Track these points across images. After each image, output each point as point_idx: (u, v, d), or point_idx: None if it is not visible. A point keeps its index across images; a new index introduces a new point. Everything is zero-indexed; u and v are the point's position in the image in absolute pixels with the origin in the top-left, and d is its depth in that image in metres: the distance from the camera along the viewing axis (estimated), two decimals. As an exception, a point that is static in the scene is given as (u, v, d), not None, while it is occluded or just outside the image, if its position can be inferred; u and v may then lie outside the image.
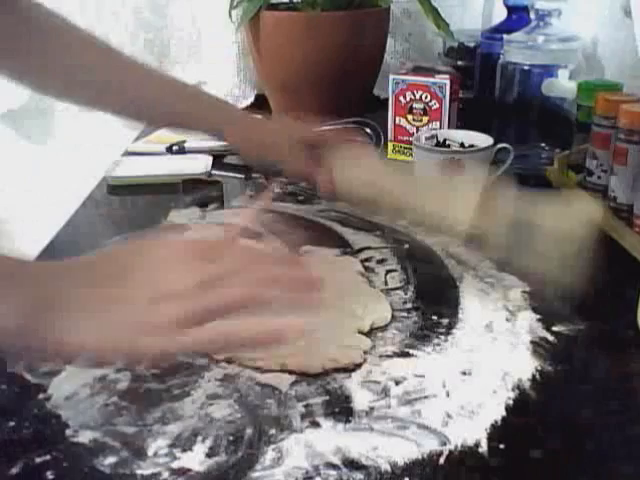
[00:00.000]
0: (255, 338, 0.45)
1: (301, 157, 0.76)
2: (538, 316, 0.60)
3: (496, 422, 0.47)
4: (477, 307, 0.61)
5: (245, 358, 0.53)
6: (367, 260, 0.70)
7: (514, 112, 0.98)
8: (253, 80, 1.28)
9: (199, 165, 0.96)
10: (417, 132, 0.96)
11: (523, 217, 0.63)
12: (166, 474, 0.43)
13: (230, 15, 1.09)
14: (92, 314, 0.43)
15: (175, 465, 0.44)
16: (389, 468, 0.43)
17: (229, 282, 0.45)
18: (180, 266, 0.46)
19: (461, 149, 0.88)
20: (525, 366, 0.53)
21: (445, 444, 0.45)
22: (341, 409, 0.48)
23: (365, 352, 0.55)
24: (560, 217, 0.61)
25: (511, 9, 1.10)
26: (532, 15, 0.99)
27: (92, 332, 0.43)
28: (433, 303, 0.62)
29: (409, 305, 0.62)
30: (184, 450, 0.45)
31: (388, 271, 0.68)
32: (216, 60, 1.28)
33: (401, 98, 0.97)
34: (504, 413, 0.48)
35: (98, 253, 0.58)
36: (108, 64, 0.74)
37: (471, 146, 0.88)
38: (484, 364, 0.53)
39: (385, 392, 0.50)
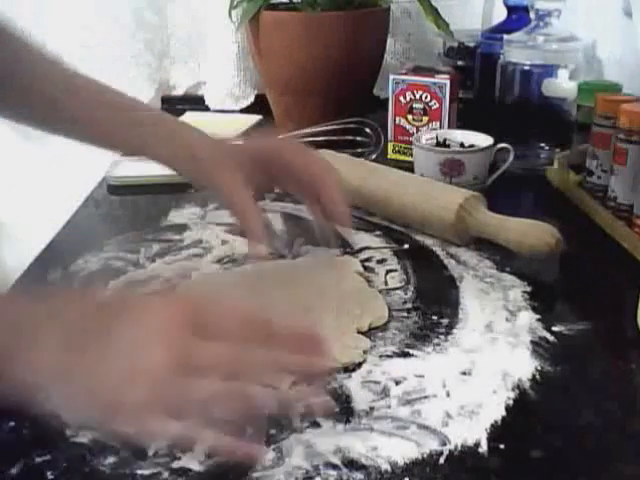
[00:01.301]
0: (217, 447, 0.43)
1: (239, 183, 0.60)
2: (538, 316, 0.60)
3: (496, 422, 0.47)
4: (477, 307, 0.61)
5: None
6: (367, 260, 0.70)
7: (514, 112, 0.98)
8: (253, 80, 1.28)
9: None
10: (417, 132, 0.96)
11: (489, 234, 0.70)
12: (166, 474, 0.43)
13: (230, 15, 1.09)
14: (65, 378, 0.42)
15: (175, 465, 0.44)
16: (389, 468, 0.43)
17: (211, 369, 0.42)
18: (164, 339, 0.43)
19: (461, 149, 0.88)
20: (525, 366, 0.53)
21: (445, 444, 0.45)
22: (341, 409, 0.48)
23: (365, 352, 0.55)
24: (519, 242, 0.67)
25: (511, 9, 1.10)
26: (532, 15, 0.99)
27: (62, 399, 0.42)
28: (433, 303, 0.62)
29: (409, 305, 0.62)
30: (184, 450, 0.45)
31: (388, 271, 0.68)
32: (216, 60, 1.28)
33: (401, 98, 0.97)
34: (504, 413, 0.48)
35: (82, 294, 0.53)
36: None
37: (471, 146, 0.88)
38: (484, 364, 0.53)
39: (385, 392, 0.50)
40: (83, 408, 0.42)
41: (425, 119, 0.96)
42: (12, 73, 0.63)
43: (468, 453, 0.45)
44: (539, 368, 0.53)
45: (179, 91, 1.34)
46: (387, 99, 0.99)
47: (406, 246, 0.74)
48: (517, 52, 0.96)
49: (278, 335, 0.45)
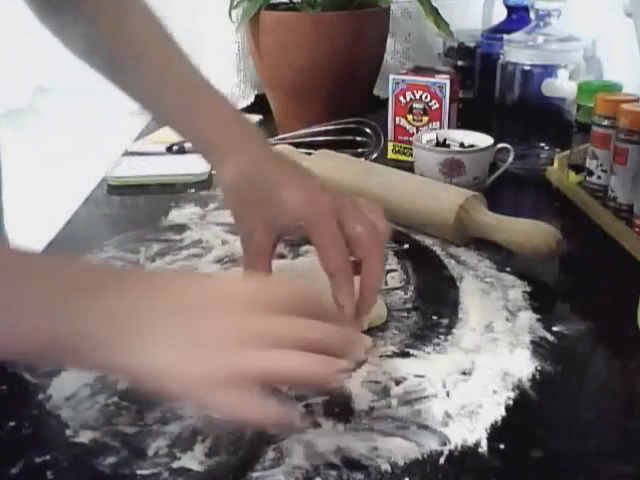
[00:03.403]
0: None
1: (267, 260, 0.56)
2: (538, 316, 0.60)
3: (496, 422, 0.47)
4: (477, 307, 0.61)
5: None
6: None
7: (514, 112, 0.98)
8: (253, 80, 1.28)
9: (199, 165, 0.96)
10: (417, 132, 0.96)
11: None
12: (166, 474, 0.43)
13: (230, 15, 1.09)
14: (150, 347, 0.40)
15: (175, 465, 0.44)
16: (389, 468, 0.43)
17: (277, 342, 0.41)
18: (229, 311, 0.42)
19: (461, 149, 0.88)
20: (525, 366, 0.53)
21: (445, 444, 0.45)
22: (341, 409, 0.48)
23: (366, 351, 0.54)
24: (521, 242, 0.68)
25: (511, 9, 1.10)
26: (532, 15, 0.99)
27: (144, 368, 0.40)
28: (433, 303, 0.62)
29: (409, 305, 0.62)
30: (184, 450, 0.45)
31: (388, 271, 0.68)
32: (216, 60, 1.28)
33: (401, 98, 0.97)
34: (504, 413, 0.48)
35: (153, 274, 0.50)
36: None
37: (471, 146, 0.88)
38: (484, 364, 0.53)
39: (385, 392, 0.50)
40: (157, 382, 0.40)
41: (425, 119, 0.96)
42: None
43: (468, 453, 0.45)
44: (539, 368, 0.53)
45: (179, 91, 1.33)
46: (387, 99, 0.99)
47: (406, 246, 0.74)
48: (517, 52, 0.96)
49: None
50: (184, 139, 0.66)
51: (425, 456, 0.44)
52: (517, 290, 0.64)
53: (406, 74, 0.97)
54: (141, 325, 0.41)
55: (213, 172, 0.66)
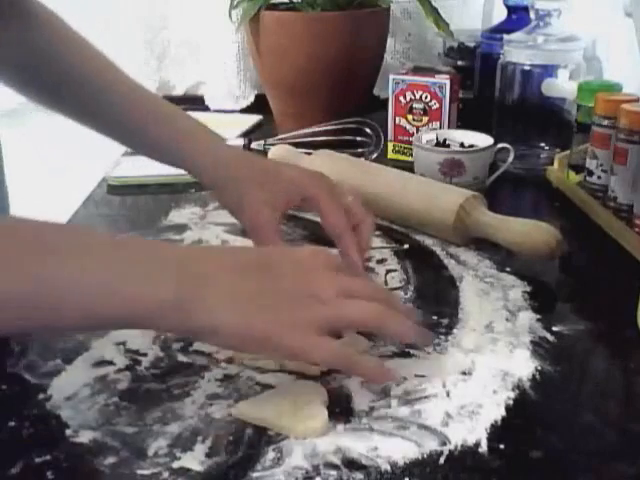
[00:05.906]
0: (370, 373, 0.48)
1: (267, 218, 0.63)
2: (538, 316, 0.60)
3: (496, 422, 0.47)
4: (477, 307, 0.61)
5: (245, 358, 0.53)
6: (367, 260, 0.70)
7: (514, 112, 0.98)
8: (253, 80, 1.28)
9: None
10: (417, 132, 0.96)
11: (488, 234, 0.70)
12: (166, 474, 0.43)
13: (230, 15, 1.09)
14: (240, 301, 0.45)
15: (175, 465, 0.44)
16: (389, 468, 0.43)
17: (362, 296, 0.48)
18: (323, 274, 0.49)
19: (461, 149, 0.88)
20: (525, 366, 0.53)
21: (445, 444, 0.45)
22: (341, 409, 0.48)
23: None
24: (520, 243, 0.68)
25: (511, 9, 1.10)
26: (532, 15, 0.99)
27: (240, 318, 0.44)
28: (433, 303, 0.62)
29: (409, 305, 0.62)
30: (184, 450, 0.45)
31: (388, 271, 0.68)
32: (216, 60, 1.28)
33: (401, 98, 0.97)
34: (504, 413, 0.48)
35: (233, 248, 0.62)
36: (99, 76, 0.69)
37: (471, 146, 0.88)
38: (484, 364, 0.53)
39: (385, 392, 0.50)
40: (255, 331, 0.45)
41: (425, 119, 0.96)
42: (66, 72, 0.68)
43: (468, 453, 0.45)
44: (539, 368, 0.53)
45: (179, 91, 1.34)
46: (387, 99, 0.99)
47: (406, 246, 0.74)
48: (517, 52, 0.96)
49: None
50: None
51: (425, 456, 0.44)
52: (517, 290, 0.64)
53: (406, 74, 0.97)
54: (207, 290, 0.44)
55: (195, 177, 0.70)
